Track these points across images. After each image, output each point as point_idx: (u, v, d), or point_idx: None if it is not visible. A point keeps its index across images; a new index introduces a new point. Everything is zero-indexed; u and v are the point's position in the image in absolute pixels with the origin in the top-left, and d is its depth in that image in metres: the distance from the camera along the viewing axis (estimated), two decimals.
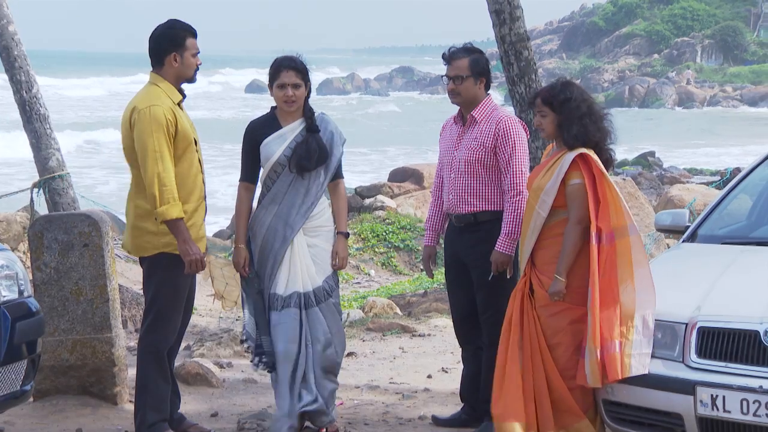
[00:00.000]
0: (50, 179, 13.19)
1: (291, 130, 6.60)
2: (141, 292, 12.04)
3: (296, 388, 6.48)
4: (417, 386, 8.18)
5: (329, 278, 6.62)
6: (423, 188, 21.85)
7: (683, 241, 7.04)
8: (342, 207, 6.74)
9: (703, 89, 72.73)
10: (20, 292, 6.02)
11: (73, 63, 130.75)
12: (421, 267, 17.20)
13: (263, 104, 69.35)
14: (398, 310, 11.50)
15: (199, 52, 6.58)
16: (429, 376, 8.51)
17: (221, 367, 8.53)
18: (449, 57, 6.90)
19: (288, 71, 6.55)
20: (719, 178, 21.52)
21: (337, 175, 6.73)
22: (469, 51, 6.96)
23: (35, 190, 13.62)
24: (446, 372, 8.65)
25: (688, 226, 7.18)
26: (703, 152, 42.43)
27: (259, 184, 6.71)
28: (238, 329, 9.82)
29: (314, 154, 6.53)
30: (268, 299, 6.56)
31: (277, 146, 6.56)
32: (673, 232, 7.43)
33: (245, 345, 6.75)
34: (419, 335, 10.12)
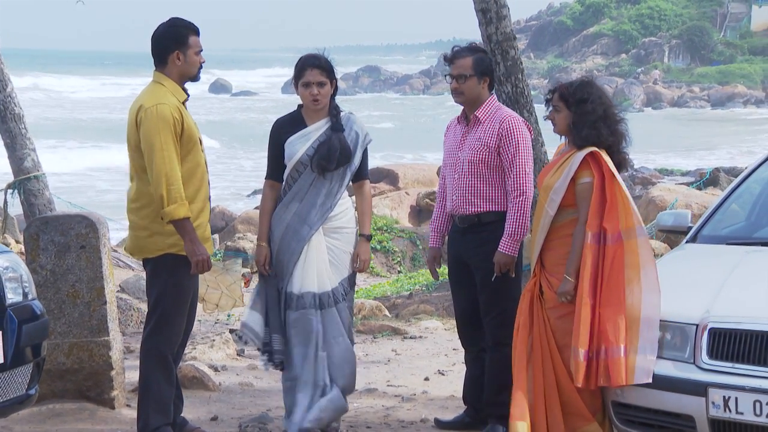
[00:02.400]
0: (25, 180, 13.05)
1: (315, 129, 6.51)
2: (121, 296, 11.96)
3: (315, 395, 6.42)
4: (415, 389, 8.13)
5: (344, 281, 6.55)
6: (398, 189, 21.85)
7: (687, 242, 7.03)
8: (366, 208, 6.65)
9: (671, 89, 73.05)
10: (25, 295, 5.92)
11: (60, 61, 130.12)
12: (399, 269, 17.22)
13: (229, 105, 69.24)
14: (387, 312, 11.44)
15: (202, 50, 6.50)
16: (426, 379, 8.46)
17: (216, 370, 8.44)
18: (452, 56, 6.84)
19: (313, 69, 6.46)
20: (699, 178, 21.57)
21: (362, 175, 6.63)
22: (473, 50, 6.91)
23: (9, 191, 13.48)
24: (443, 374, 8.60)
25: (690, 227, 7.17)
26: (675, 153, 42.62)
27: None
28: (227, 333, 9.72)
29: (335, 153, 6.43)
30: (284, 297, 6.47)
31: (300, 145, 6.48)
32: (676, 232, 7.42)
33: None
34: (411, 337, 10.07)
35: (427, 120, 60.13)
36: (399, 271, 16.84)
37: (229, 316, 12.03)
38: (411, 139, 46.39)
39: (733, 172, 22.80)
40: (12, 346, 5.64)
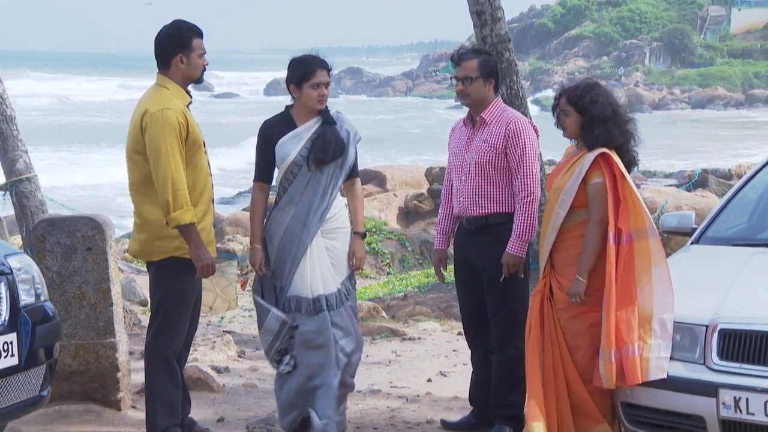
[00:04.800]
0: (17, 182, 13.03)
1: (306, 129, 6.53)
2: None
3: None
4: (418, 390, 8.15)
5: (346, 281, 6.56)
6: (386, 190, 21.86)
7: (691, 243, 7.07)
8: (359, 207, 6.67)
9: (652, 91, 73.26)
10: (37, 296, 5.91)
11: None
12: (388, 271, 17.24)
13: (211, 107, 69.01)
14: (384, 314, 11.45)
15: (205, 53, 6.47)
16: (429, 380, 8.48)
17: (218, 372, 8.43)
18: (458, 58, 6.86)
19: (323, 70, 6.50)
20: (686, 180, 21.62)
21: (353, 174, 6.65)
22: (479, 52, 6.96)
23: (1, 192, 13.46)
24: (445, 376, 8.62)
25: (694, 228, 7.21)
26: (657, 155, 42.76)
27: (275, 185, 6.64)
28: (228, 334, 9.72)
29: (331, 145, 6.47)
30: (284, 302, 6.46)
31: (293, 146, 6.49)
32: (680, 234, 7.47)
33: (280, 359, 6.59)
34: (409, 339, 10.09)
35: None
36: (388, 273, 16.86)
37: (222, 318, 12.03)
38: None
39: (717, 173, 22.91)
40: (26, 347, 5.64)
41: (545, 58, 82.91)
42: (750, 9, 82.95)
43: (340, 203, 6.60)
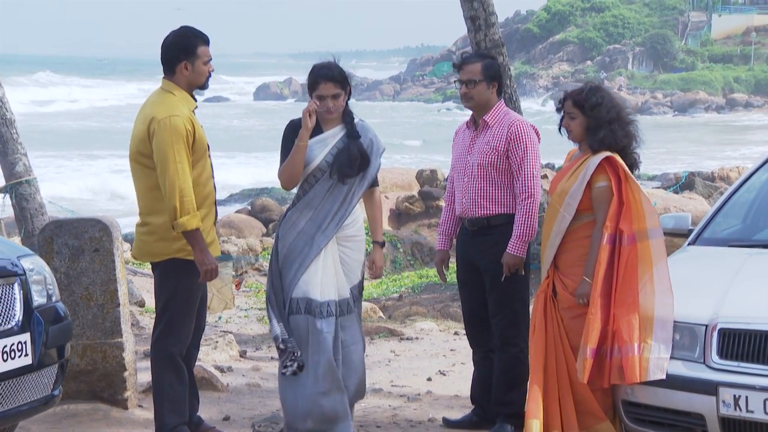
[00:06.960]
0: (17, 184, 13.08)
1: (332, 135, 6.49)
2: None
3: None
4: (419, 389, 8.25)
5: (354, 288, 6.54)
6: None
7: (688, 244, 7.19)
8: (378, 215, 6.67)
9: (635, 95, 73.67)
10: (49, 297, 5.99)
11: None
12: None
13: (201, 111, 68.61)
14: (381, 314, 11.55)
15: (210, 59, 6.52)
16: (429, 379, 8.58)
17: (222, 371, 8.52)
18: (462, 62, 6.98)
19: (327, 83, 6.41)
20: (674, 182, 21.82)
21: (373, 183, 6.62)
22: (482, 56, 7.11)
23: (1, 195, 13.50)
24: (444, 375, 8.72)
25: (691, 230, 7.33)
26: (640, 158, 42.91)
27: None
28: (230, 334, 9.80)
29: (356, 161, 6.42)
30: (290, 304, 6.42)
31: (319, 151, 6.44)
32: (676, 235, 7.58)
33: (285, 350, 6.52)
34: (407, 339, 10.17)
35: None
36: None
37: (219, 318, 12.10)
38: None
39: (700, 176, 23.13)
40: (39, 347, 5.72)
41: (530, 63, 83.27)
42: (730, 15, 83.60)
43: (357, 211, 6.57)
